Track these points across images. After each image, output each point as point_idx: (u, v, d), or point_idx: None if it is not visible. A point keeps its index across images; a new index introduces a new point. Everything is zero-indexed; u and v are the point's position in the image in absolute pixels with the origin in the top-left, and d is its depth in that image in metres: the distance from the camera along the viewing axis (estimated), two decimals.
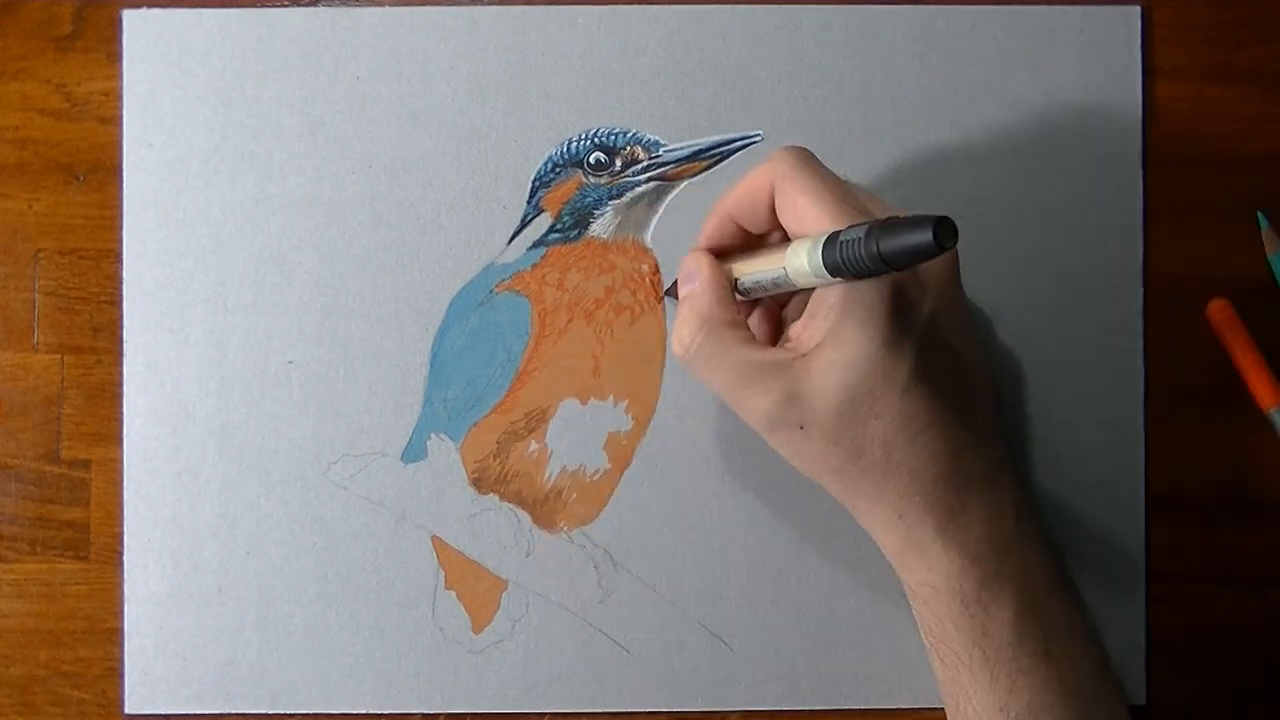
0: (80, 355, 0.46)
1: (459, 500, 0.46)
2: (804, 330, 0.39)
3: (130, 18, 0.46)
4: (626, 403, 0.46)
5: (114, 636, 0.46)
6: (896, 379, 0.38)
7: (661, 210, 0.46)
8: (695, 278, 0.42)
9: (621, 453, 0.46)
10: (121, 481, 0.46)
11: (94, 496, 0.46)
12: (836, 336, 0.38)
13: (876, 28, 0.46)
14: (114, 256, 0.46)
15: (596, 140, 0.46)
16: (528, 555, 0.46)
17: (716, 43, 0.46)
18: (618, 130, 0.46)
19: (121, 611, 0.46)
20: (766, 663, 0.46)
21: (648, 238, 0.46)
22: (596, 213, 0.46)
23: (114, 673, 0.46)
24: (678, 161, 0.46)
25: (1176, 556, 0.46)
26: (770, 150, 0.43)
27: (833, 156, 0.40)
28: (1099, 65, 0.47)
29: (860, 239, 0.34)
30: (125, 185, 0.46)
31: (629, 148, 0.46)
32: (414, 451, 0.46)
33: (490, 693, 0.46)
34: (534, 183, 0.46)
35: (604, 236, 0.46)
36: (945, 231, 0.32)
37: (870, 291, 0.38)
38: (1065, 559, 0.45)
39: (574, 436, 0.46)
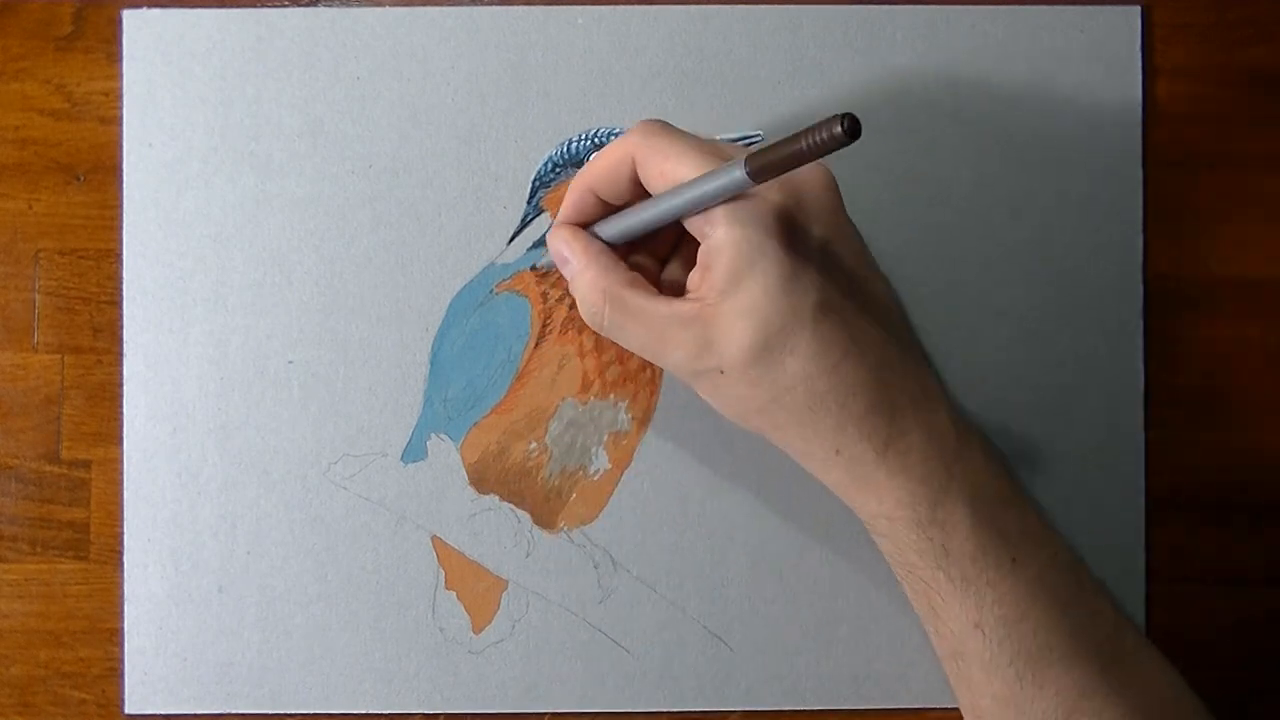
0: (80, 355, 0.46)
1: (459, 500, 0.46)
2: (703, 281, 0.39)
3: (130, 18, 0.46)
4: (626, 403, 0.46)
5: (114, 636, 0.46)
6: (803, 311, 0.38)
7: None
8: (572, 256, 0.41)
9: (621, 453, 0.46)
10: (121, 481, 0.46)
11: (94, 496, 0.46)
12: (736, 281, 0.38)
13: (876, 28, 0.46)
14: (114, 256, 0.46)
15: (596, 140, 0.46)
16: (528, 555, 0.46)
17: (716, 43, 0.46)
18: (618, 130, 0.46)
19: (121, 611, 0.46)
20: (766, 663, 0.46)
21: None
22: None
23: (114, 673, 0.46)
24: None
25: (1176, 556, 0.46)
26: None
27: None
28: (1099, 65, 0.47)
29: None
30: (125, 185, 0.46)
31: None
32: (414, 451, 0.46)
33: (490, 693, 0.46)
34: (534, 183, 0.46)
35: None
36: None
37: (758, 232, 0.38)
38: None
39: (574, 436, 0.46)
